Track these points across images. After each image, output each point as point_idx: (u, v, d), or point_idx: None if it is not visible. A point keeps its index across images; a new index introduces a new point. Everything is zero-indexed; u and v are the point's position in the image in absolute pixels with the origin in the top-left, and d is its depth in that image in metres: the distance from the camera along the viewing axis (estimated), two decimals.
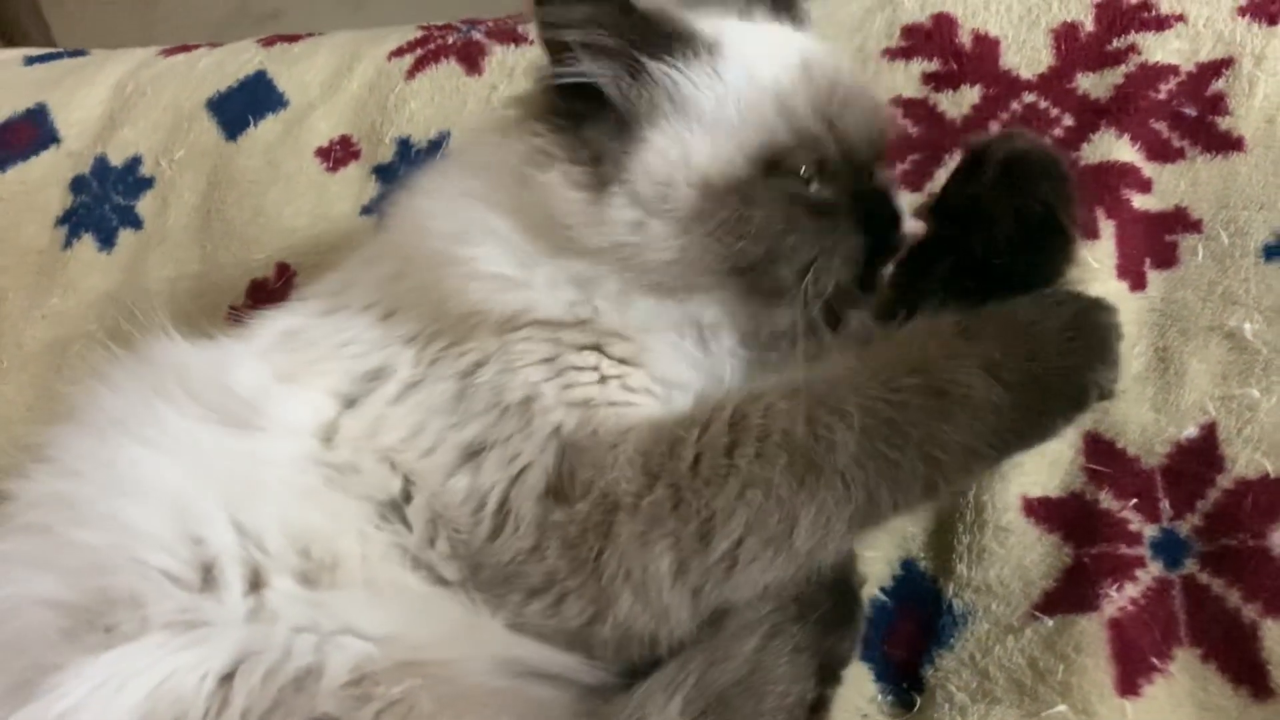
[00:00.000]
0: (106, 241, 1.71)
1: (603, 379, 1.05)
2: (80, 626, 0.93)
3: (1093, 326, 0.94)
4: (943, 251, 1.07)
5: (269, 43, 1.86)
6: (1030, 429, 0.95)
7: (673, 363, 1.08)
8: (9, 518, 1.04)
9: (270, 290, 1.58)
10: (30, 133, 1.83)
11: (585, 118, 1.06)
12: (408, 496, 1.03)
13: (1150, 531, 1.11)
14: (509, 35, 1.67)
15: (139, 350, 1.13)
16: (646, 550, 0.95)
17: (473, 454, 1.03)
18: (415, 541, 1.02)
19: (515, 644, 0.99)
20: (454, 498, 1.02)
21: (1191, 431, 1.14)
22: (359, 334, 1.12)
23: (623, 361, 1.06)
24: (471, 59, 1.68)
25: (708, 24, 1.10)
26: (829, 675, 1.04)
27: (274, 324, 1.17)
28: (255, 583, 0.97)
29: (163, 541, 0.96)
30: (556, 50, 1.03)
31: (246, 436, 1.05)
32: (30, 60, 2.00)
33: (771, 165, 1.05)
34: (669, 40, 1.05)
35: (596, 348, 1.06)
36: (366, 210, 1.60)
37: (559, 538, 0.98)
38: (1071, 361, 0.92)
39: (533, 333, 1.06)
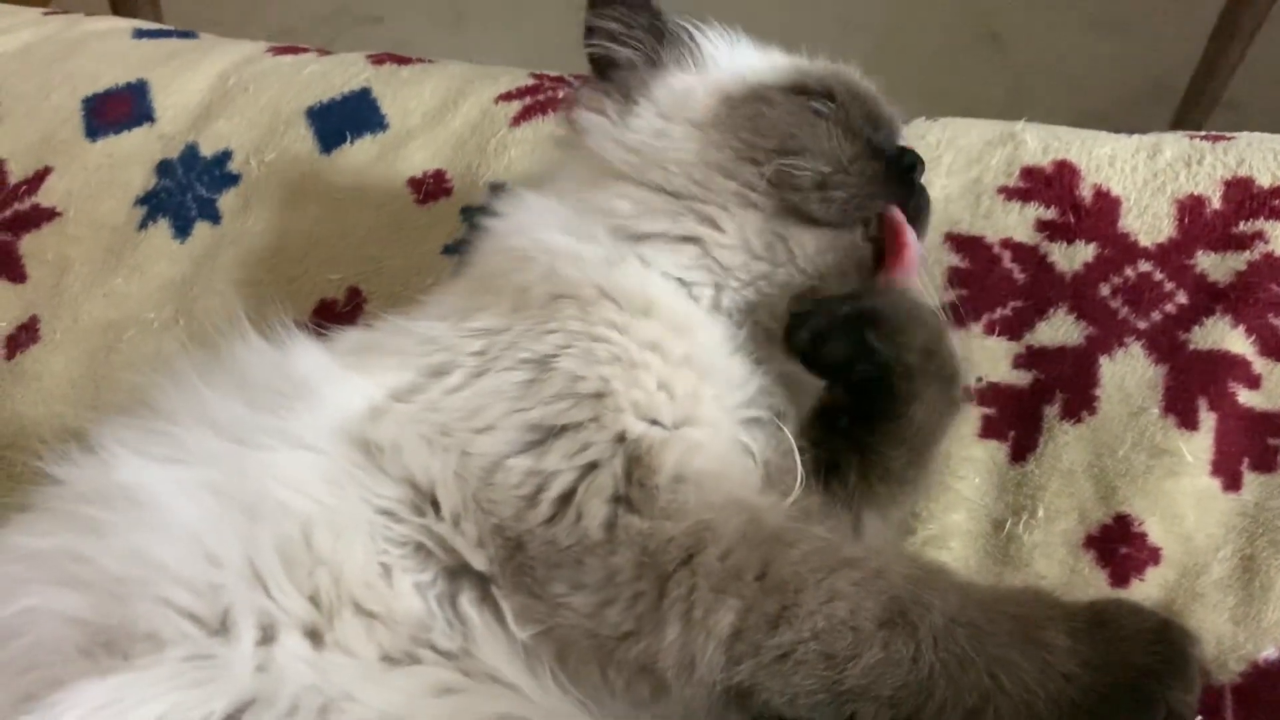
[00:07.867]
0: (182, 231, 1.67)
1: (659, 386, 1.03)
2: (97, 648, 0.90)
3: (1177, 646, 0.88)
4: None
5: (379, 60, 1.84)
6: (1090, 714, 0.88)
7: (723, 358, 1.09)
8: (53, 504, 1.01)
9: (338, 313, 1.54)
10: (126, 107, 1.81)
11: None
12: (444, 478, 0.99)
13: None
14: None
15: (216, 351, 1.11)
16: (718, 597, 0.90)
17: (538, 439, 1.00)
18: (444, 528, 0.97)
19: None
20: (509, 478, 0.98)
21: (1271, 653, 1.09)
22: (431, 336, 1.10)
23: (681, 364, 1.05)
24: None
25: None
26: None
27: (352, 336, 1.17)
28: (266, 636, 0.93)
29: (187, 581, 0.93)
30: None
31: (284, 416, 1.02)
32: (140, 34, 1.98)
33: (795, 89, 1.19)
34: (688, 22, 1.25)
35: (657, 347, 1.05)
36: (449, 249, 1.57)
37: (638, 543, 0.94)
38: (1148, 665, 0.86)
39: (613, 318, 1.05)
